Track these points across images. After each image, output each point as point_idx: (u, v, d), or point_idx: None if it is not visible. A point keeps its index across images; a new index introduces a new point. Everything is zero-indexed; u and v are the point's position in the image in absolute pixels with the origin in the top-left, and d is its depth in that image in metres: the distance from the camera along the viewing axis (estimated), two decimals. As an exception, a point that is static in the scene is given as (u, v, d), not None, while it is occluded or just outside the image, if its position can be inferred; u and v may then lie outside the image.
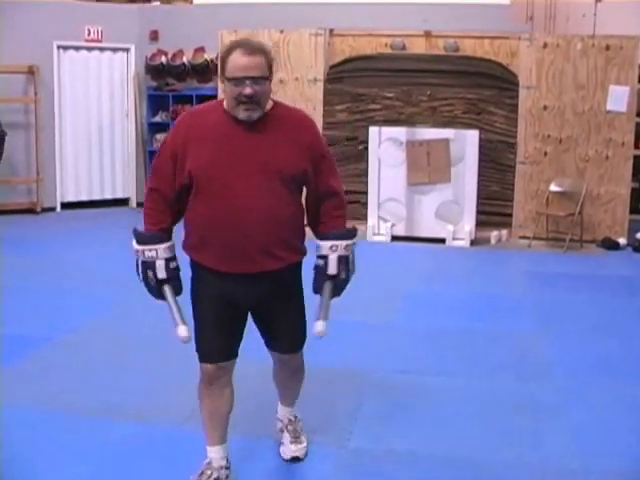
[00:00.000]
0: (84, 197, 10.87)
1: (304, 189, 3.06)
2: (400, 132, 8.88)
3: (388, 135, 8.89)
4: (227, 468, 3.18)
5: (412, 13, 9.58)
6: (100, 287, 6.46)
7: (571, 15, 9.40)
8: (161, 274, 2.92)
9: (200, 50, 10.34)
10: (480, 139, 8.74)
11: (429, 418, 3.97)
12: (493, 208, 9.07)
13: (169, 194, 2.95)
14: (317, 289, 3.02)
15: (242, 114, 2.83)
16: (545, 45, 8.75)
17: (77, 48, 10.57)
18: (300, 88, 9.34)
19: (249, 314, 3.10)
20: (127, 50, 10.89)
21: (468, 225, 8.77)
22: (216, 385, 3.08)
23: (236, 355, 3.09)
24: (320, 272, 3.01)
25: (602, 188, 8.77)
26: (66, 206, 10.68)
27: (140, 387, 4.31)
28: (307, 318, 3.14)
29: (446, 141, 8.73)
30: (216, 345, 2.99)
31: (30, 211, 10.29)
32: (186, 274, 3.03)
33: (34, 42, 10.03)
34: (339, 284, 3.02)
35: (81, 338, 5.21)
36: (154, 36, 10.79)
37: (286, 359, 3.22)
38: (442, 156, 8.73)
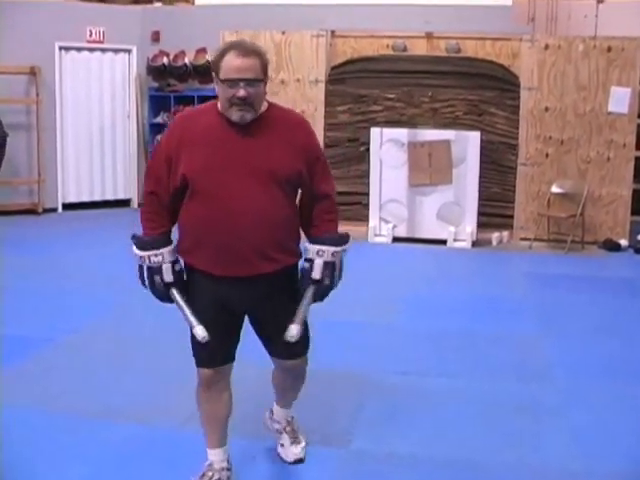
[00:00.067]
0: (85, 198, 10.88)
1: (299, 191, 3.04)
2: (401, 133, 8.88)
3: (389, 136, 8.89)
4: (228, 470, 3.17)
5: (413, 14, 9.58)
6: (101, 288, 6.46)
7: (573, 16, 9.41)
8: (168, 277, 2.91)
9: (202, 51, 10.34)
10: (481, 140, 8.74)
11: (430, 419, 3.96)
12: (494, 209, 9.07)
13: (166, 197, 2.93)
14: (300, 292, 2.98)
15: (235, 116, 2.81)
16: (547, 46, 8.75)
17: (79, 49, 10.58)
18: (302, 89, 9.35)
19: (248, 321, 3.08)
20: (129, 51, 10.90)
21: (469, 226, 8.77)
22: (214, 389, 3.07)
23: (233, 359, 3.07)
24: (304, 275, 2.99)
25: (603, 189, 8.76)
26: (67, 207, 10.69)
27: (141, 388, 4.31)
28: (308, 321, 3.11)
29: (447, 142, 8.73)
30: (213, 350, 2.96)
31: (31, 212, 10.29)
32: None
33: (36, 43, 10.04)
34: (322, 290, 2.98)
35: (82, 339, 5.21)
36: (156, 37, 10.80)
37: (289, 366, 3.16)
38: (443, 157, 8.73)
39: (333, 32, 9.56)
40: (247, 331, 3.10)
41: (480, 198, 8.81)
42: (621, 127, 8.64)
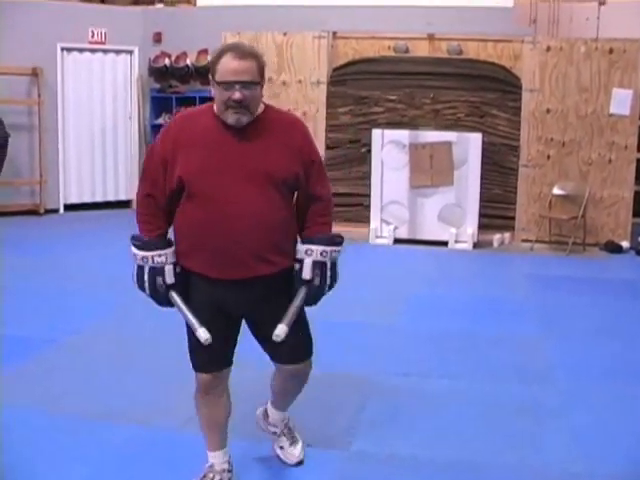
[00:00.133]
0: (87, 199, 10.89)
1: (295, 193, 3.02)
2: (403, 135, 8.88)
3: (391, 138, 8.89)
4: (229, 471, 3.17)
5: (415, 16, 9.58)
6: (103, 289, 6.46)
7: (574, 18, 9.41)
8: (170, 279, 2.88)
9: (203, 52, 10.35)
10: (483, 142, 8.74)
11: (431, 421, 3.96)
12: (496, 211, 9.07)
13: (162, 199, 2.89)
14: (292, 294, 2.94)
15: (231, 118, 2.79)
16: (548, 48, 8.75)
17: (81, 50, 10.60)
18: (303, 90, 9.35)
19: (247, 327, 3.05)
20: (130, 52, 10.91)
21: (471, 228, 8.77)
22: (212, 394, 3.05)
23: (231, 363, 3.05)
24: (296, 277, 2.94)
25: (605, 191, 8.76)
26: (69, 208, 10.70)
27: (141, 389, 4.31)
28: (310, 325, 3.10)
29: (449, 144, 8.73)
30: (210, 355, 2.94)
31: (33, 212, 10.31)
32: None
33: (38, 44, 10.06)
34: (313, 291, 2.94)
35: (83, 340, 5.21)
36: (157, 38, 10.81)
37: (292, 371, 3.10)
38: (445, 159, 8.73)
39: (335, 33, 9.57)
40: (245, 332, 3.08)
41: (481, 200, 8.81)
42: (623, 129, 8.64)
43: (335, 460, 3.52)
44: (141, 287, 2.92)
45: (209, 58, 10.26)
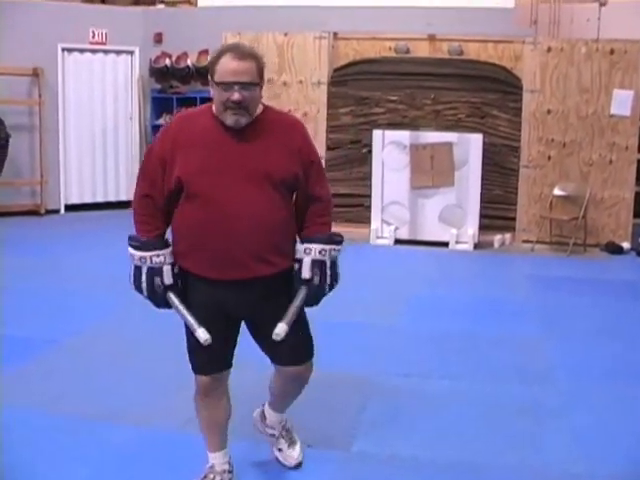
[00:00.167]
0: (88, 199, 10.89)
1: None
2: (404, 135, 8.88)
3: (392, 138, 8.89)
4: (230, 472, 3.16)
5: (416, 17, 9.59)
6: (103, 289, 6.46)
7: (575, 19, 9.41)
8: (168, 280, 2.86)
9: (204, 53, 10.34)
10: (484, 143, 8.74)
11: (432, 422, 3.96)
12: (496, 212, 9.08)
13: (160, 200, 2.88)
14: (292, 294, 2.92)
15: (229, 120, 2.78)
16: (549, 49, 8.75)
17: (81, 50, 10.60)
18: (304, 91, 9.36)
19: (247, 329, 3.04)
20: (131, 53, 10.91)
21: (471, 229, 8.77)
22: (212, 396, 3.04)
23: (230, 365, 3.04)
24: (296, 277, 2.93)
25: (606, 192, 8.76)
26: (70, 208, 10.70)
27: (141, 390, 4.31)
28: (311, 327, 3.09)
29: (450, 145, 8.73)
30: (209, 357, 2.93)
31: (34, 213, 10.31)
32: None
33: (39, 44, 10.06)
34: (313, 290, 2.91)
35: (84, 341, 5.21)
36: (158, 39, 10.81)
37: (293, 373, 3.07)
38: (446, 160, 8.73)
39: (335, 34, 9.57)
40: (244, 333, 3.07)
41: (482, 200, 8.81)
42: (623, 130, 8.64)
43: (336, 460, 3.52)
44: (138, 288, 2.89)
45: (210, 59, 10.29)
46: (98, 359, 4.84)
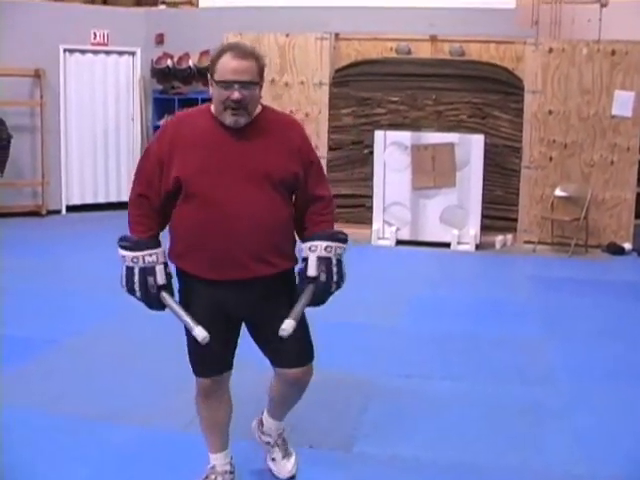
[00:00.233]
0: (89, 200, 10.89)
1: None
2: (405, 136, 8.88)
3: (393, 139, 8.89)
4: (231, 472, 3.16)
5: (418, 17, 9.58)
6: (105, 290, 6.40)
7: (576, 20, 9.40)
8: (161, 279, 2.82)
9: (206, 53, 10.33)
10: (485, 143, 8.74)
11: (434, 422, 3.96)
12: (498, 212, 9.07)
13: (155, 201, 2.86)
14: (298, 294, 2.89)
15: (229, 119, 2.76)
16: (550, 50, 8.75)
17: (83, 51, 10.61)
18: (306, 92, 9.36)
19: (248, 331, 3.02)
20: (133, 53, 10.92)
21: (473, 229, 8.77)
22: (213, 397, 3.04)
23: (231, 366, 3.02)
24: (301, 276, 2.90)
25: (607, 193, 8.76)
26: (71, 209, 10.70)
27: (143, 390, 4.31)
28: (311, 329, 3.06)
29: (451, 145, 8.73)
30: (210, 360, 2.93)
31: (35, 214, 10.31)
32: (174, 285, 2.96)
33: (40, 45, 10.07)
34: (320, 288, 2.87)
35: (85, 341, 5.21)
36: (160, 39, 10.81)
37: (293, 376, 3.01)
38: (447, 160, 8.73)
39: (337, 35, 9.58)
40: (245, 334, 3.05)
41: (484, 201, 8.82)
42: (625, 131, 8.64)
43: (337, 461, 3.52)
44: (131, 290, 2.84)
45: (210, 57, 10.29)
46: (99, 360, 4.84)
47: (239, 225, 2.77)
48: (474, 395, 4.35)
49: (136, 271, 2.82)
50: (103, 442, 3.64)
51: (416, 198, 8.87)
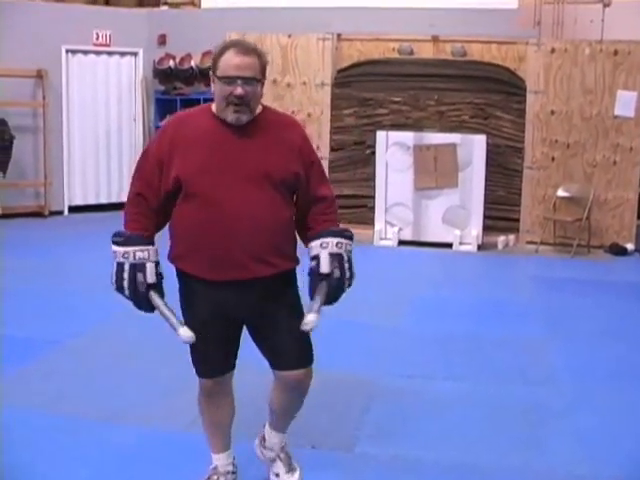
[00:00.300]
0: (92, 201, 10.90)
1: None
2: (407, 137, 8.88)
3: (395, 139, 8.89)
4: (233, 473, 3.16)
5: (420, 18, 9.58)
6: (106, 291, 6.36)
7: (579, 20, 9.40)
8: (151, 278, 2.77)
9: (208, 54, 10.32)
10: (487, 144, 8.74)
11: (436, 423, 3.96)
12: (500, 213, 9.07)
13: (153, 201, 2.84)
14: (312, 294, 2.84)
15: (231, 116, 2.75)
16: (553, 50, 8.75)
17: (85, 52, 10.61)
18: (308, 92, 9.36)
19: (248, 333, 2.99)
20: (135, 54, 10.92)
21: (475, 230, 8.76)
22: (216, 398, 3.03)
23: (233, 367, 3.01)
24: (313, 274, 2.85)
25: (610, 193, 8.75)
26: (74, 209, 10.71)
27: (144, 391, 4.31)
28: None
29: (453, 146, 8.73)
30: (212, 360, 2.93)
31: (38, 214, 10.31)
32: (174, 287, 2.95)
33: (42, 46, 10.07)
34: (334, 285, 2.83)
35: (86, 342, 5.21)
36: (162, 40, 10.82)
37: (293, 379, 2.96)
38: (449, 161, 8.73)
39: (339, 35, 9.58)
40: (246, 335, 3.03)
41: (486, 201, 8.81)
42: (627, 131, 8.63)
43: (339, 462, 3.52)
44: (120, 287, 2.80)
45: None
46: (100, 360, 4.84)
47: (239, 225, 2.76)
48: (476, 395, 4.35)
49: (126, 267, 2.78)
50: (104, 442, 3.64)
51: (418, 198, 8.87)
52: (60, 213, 10.57)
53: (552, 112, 8.78)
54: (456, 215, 8.78)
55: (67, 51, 10.42)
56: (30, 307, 5.96)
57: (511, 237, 9.03)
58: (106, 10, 11.35)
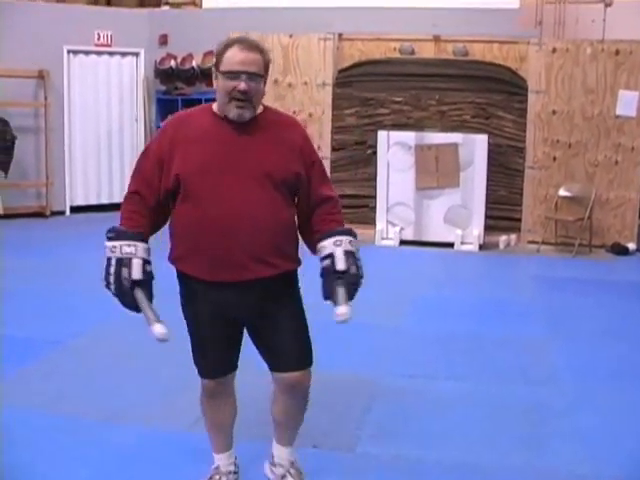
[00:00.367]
0: (93, 201, 10.91)
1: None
2: (409, 136, 8.88)
3: (397, 139, 8.89)
4: (235, 473, 3.16)
5: (421, 17, 9.58)
6: (108, 291, 6.44)
7: (580, 20, 9.39)
8: (136, 274, 2.69)
9: (209, 54, 10.32)
10: (489, 144, 8.73)
11: (437, 423, 3.96)
12: (502, 213, 9.07)
13: (151, 200, 2.81)
14: (328, 293, 2.77)
15: (233, 112, 2.73)
16: (554, 50, 8.74)
17: (87, 52, 10.62)
18: (309, 92, 9.36)
19: (249, 335, 2.98)
20: (136, 54, 10.93)
21: (477, 229, 8.76)
22: (218, 398, 3.04)
23: (235, 367, 3.01)
24: (328, 272, 2.78)
25: (611, 193, 8.75)
26: (75, 210, 10.72)
27: (147, 391, 4.31)
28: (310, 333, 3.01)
29: (455, 145, 8.73)
30: (214, 361, 2.93)
31: (39, 215, 10.32)
32: (174, 287, 2.95)
33: (44, 46, 10.09)
34: (351, 281, 2.77)
35: (88, 342, 5.21)
36: (163, 40, 10.83)
37: (292, 381, 2.94)
38: (451, 160, 8.72)
39: (340, 35, 9.59)
40: (247, 336, 3.03)
41: (487, 201, 8.81)
42: (629, 130, 8.63)
43: (340, 461, 3.52)
44: (107, 283, 2.74)
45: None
46: (101, 360, 4.84)
47: (239, 225, 2.74)
48: (478, 395, 4.35)
49: (113, 262, 2.73)
50: (104, 442, 3.64)
51: (420, 198, 8.87)
52: (62, 213, 10.58)
53: (554, 112, 8.78)
54: (457, 215, 8.77)
55: (68, 51, 10.44)
56: (31, 307, 5.96)
57: (513, 237, 9.03)
58: (107, 10, 11.36)
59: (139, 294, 2.69)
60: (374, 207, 9.05)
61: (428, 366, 4.83)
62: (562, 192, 8.78)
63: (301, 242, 2.98)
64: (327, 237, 2.84)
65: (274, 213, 2.80)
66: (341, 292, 2.75)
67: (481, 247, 8.75)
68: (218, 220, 2.74)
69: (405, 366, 4.80)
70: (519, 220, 9.05)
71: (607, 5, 9.01)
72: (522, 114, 8.92)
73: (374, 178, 9.02)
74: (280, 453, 3.18)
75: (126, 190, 2.94)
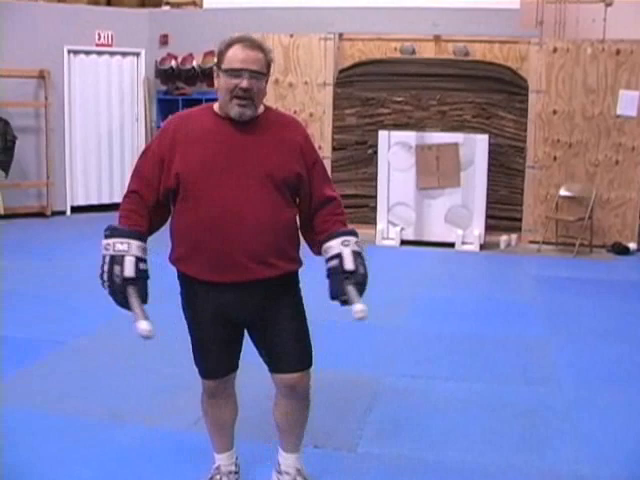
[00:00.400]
0: (94, 201, 10.90)
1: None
2: (409, 136, 8.88)
3: (397, 139, 8.89)
4: (236, 473, 3.16)
5: (422, 17, 9.58)
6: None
7: (581, 20, 9.39)
8: (129, 272, 2.67)
9: (210, 54, 10.33)
10: (489, 143, 8.73)
11: (438, 423, 3.96)
12: (502, 212, 9.07)
13: (150, 200, 2.80)
14: (336, 293, 2.75)
15: (235, 110, 2.73)
16: (555, 50, 8.74)
17: (87, 52, 10.62)
18: (310, 92, 9.36)
19: (249, 336, 2.98)
20: (137, 54, 10.93)
21: (477, 229, 8.76)
22: (219, 398, 3.04)
23: (236, 368, 3.01)
24: (336, 272, 2.77)
25: (612, 193, 8.75)
26: (76, 210, 10.71)
27: (148, 391, 4.31)
28: (311, 334, 3.00)
29: (455, 145, 8.73)
30: (215, 362, 2.93)
31: (40, 215, 10.33)
32: (175, 288, 2.95)
33: (45, 46, 10.09)
34: (359, 280, 2.76)
35: (90, 342, 5.21)
36: (164, 40, 10.83)
37: (293, 382, 2.92)
38: (451, 160, 8.72)
39: (341, 35, 9.59)
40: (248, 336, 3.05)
41: (488, 201, 8.81)
42: (630, 130, 8.62)
43: (342, 461, 3.52)
44: (102, 281, 2.76)
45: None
46: (102, 360, 4.84)
47: (240, 225, 2.73)
48: (479, 395, 4.35)
49: (106, 259, 2.74)
50: (106, 443, 3.64)
51: (420, 198, 8.87)
52: (62, 213, 10.58)
53: (554, 112, 8.78)
54: (458, 215, 8.78)
55: (69, 51, 10.43)
56: (31, 307, 5.96)
57: (513, 237, 9.03)
58: (108, 10, 11.35)
59: (130, 291, 2.69)
60: (375, 207, 9.05)
61: (429, 366, 4.82)
62: (563, 192, 8.78)
63: (301, 242, 2.97)
64: (334, 237, 2.83)
65: (275, 213, 2.78)
66: (353, 291, 2.74)
67: (482, 247, 8.76)
68: (218, 220, 2.73)
69: (406, 366, 4.80)
70: (520, 220, 9.05)
71: (608, 5, 9.01)
72: (523, 114, 8.92)
73: (375, 178, 9.03)
74: (286, 460, 3.15)
75: (125, 190, 2.93)
